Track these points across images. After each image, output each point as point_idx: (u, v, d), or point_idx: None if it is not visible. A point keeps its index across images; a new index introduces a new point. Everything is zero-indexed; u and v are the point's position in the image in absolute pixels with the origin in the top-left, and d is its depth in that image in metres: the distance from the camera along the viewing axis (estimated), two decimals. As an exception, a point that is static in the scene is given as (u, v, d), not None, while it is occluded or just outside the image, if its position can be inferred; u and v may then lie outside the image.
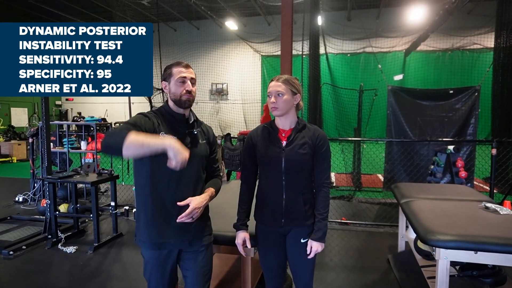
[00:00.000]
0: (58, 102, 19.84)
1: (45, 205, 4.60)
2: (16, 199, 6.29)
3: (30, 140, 6.26)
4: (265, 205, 1.97)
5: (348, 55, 15.05)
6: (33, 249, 4.20)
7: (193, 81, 1.92)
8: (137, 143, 1.55)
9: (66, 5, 13.98)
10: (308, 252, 1.97)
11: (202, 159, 1.97)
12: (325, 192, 1.98)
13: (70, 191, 5.61)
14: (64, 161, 6.27)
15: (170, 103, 1.93)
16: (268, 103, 1.95)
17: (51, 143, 5.26)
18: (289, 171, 1.92)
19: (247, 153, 2.06)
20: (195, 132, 1.95)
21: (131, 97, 5.81)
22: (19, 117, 17.31)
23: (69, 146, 6.10)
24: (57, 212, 4.42)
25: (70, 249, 4.14)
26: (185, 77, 1.88)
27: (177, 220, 1.78)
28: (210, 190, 1.98)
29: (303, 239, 1.98)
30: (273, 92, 1.92)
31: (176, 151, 1.58)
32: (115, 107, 17.68)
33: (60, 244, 4.26)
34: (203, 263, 1.97)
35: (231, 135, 5.60)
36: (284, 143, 1.94)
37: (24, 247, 4.16)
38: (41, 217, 5.07)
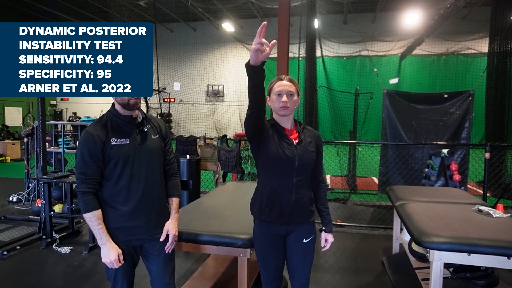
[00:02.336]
0: (53, 102, 19.74)
1: (39, 205, 4.58)
2: (10, 199, 6.25)
3: (25, 139, 6.23)
4: (274, 202, 1.96)
5: (344, 58, 15.14)
6: (27, 249, 4.18)
7: None
8: (92, 225, 1.88)
9: (62, 5, 13.95)
10: (323, 245, 2.11)
11: (158, 153, 2.06)
12: (324, 187, 2.14)
13: (65, 191, 5.58)
14: (59, 161, 6.24)
15: (117, 107, 1.98)
16: (277, 102, 1.95)
17: (47, 143, 5.23)
18: (301, 168, 1.95)
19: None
20: (145, 130, 2.02)
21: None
22: (13, 116, 17.20)
23: (65, 146, 6.07)
24: (52, 212, 4.40)
25: (65, 250, 4.12)
26: None
27: (166, 251, 2.04)
28: (175, 204, 2.13)
29: (305, 239, 2.02)
30: (284, 91, 1.94)
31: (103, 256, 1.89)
32: (110, 108, 17.59)
33: (54, 244, 4.24)
34: (167, 255, 2.08)
35: (227, 137, 5.62)
36: (295, 141, 1.98)
37: (18, 247, 4.14)
38: (36, 217, 5.05)
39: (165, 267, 2.08)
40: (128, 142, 1.94)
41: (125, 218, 1.93)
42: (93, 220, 1.86)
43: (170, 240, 2.04)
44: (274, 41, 1.58)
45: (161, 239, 2.02)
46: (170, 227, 2.04)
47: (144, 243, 2.03)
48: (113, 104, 2.00)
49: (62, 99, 20.17)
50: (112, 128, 1.94)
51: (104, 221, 1.90)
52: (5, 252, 3.96)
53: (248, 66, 1.67)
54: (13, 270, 3.67)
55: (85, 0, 13.55)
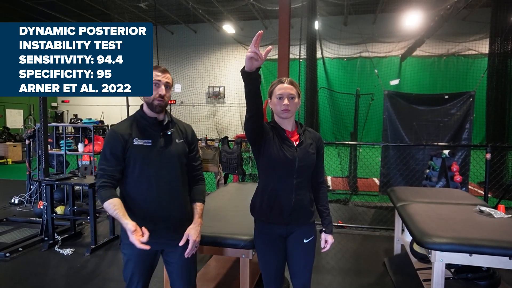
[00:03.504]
0: (54, 104, 19.78)
1: (41, 207, 4.59)
2: (12, 201, 6.26)
3: (27, 141, 6.24)
4: (274, 203, 1.98)
5: (345, 59, 15.15)
6: (30, 251, 4.18)
7: (167, 85, 1.96)
8: (110, 212, 1.85)
9: (63, 7, 13.99)
10: (323, 246, 2.12)
11: (180, 158, 2.03)
12: (324, 188, 2.17)
13: (67, 193, 5.59)
14: (61, 163, 6.25)
15: (144, 107, 1.99)
16: (278, 105, 1.97)
17: (48, 145, 5.24)
18: (301, 169, 1.97)
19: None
20: (169, 133, 2.01)
21: (128, 100, 5.82)
22: (14, 118, 17.24)
23: (66, 148, 6.08)
24: (54, 214, 4.41)
25: (67, 251, 4.13)
26: (159, 80, 1.93)
27: (186, 256, 1.97)
28: (199, 209, 2.08)
29: (306, 239, 2.04)
30: (286, 94, 1.96)
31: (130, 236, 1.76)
32: (111, 109, 17.66)
33: (56, 246, 4.24)
34: (188, 259, 2.03)
35: (228, 138, 5.63)
36: (296, 143, 1.99)
37: (20, 249, 4.15)
38: (38, 219, 5.06)
39: (185, 271, 2.06)
40: (151, 144, 1.93)
41: (144, 221, 1.88)
42: (110, 207, 1.83)
43: (190, 246, 1.96)
44: (270, 47, 1.59)
45: (181, 243, 1.95)
46: (192, 233, 1.97)
47: (165, 248, 2.01)
48: (141, 105, 2.02)
49: (63, 101, 20.21)
50: (137, 128, 1.94)
51: (133, 216, 1.87)
52: (7, 254, 3.97)
53: (243, 72, 1.67)
54: (15, 272, 3.68)
55: (86, 3, 13.58)
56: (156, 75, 1.93)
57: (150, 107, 1.95)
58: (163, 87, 1.93)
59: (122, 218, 1.80)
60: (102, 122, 7.16)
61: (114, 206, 1.82)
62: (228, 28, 15.88)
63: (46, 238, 4.38)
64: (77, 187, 5.65)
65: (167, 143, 1.98)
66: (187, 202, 2.08)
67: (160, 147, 1.95)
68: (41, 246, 4.27)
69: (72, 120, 7.52)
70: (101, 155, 1.92)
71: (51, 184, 4.41)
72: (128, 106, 5.94)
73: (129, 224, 1.76)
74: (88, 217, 4.29)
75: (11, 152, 12.40)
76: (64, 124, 6.89)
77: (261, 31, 1.56)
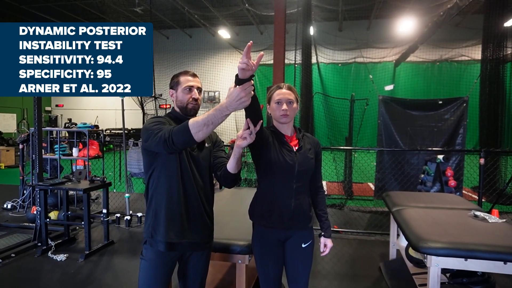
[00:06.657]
0: (47, 108, 19.67)
1: (35, 212, 4.54)
2: (5, 206, 6.19)
3: (21, 146, 6.19)
4: (274, 208, 1.99)
5: (340, 65, 15.25)
6: (23, 257, 4.13)
7: (199, 89, 1.97)
8: (201, 124, 1.54)
9: (59, 12, 13.97)
10: (322, 250, 2.13)
11: (209, 160, 2.02)
12: (323, 193, 2.18)
13: (61, 198, 5.54)
14: (55, 168, 6.20)
15: (177, 110, 1.98)
16: (277, 110, 1.98)
17: (42, 150, 5.20)
18: (300, 174, 1.98)
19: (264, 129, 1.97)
20: None
21: (123, 104, 5.80)
22: (7, 122, 17.11)
23: (61, 152, 6.04)
24: (47, 219, 4.37)
25: (61, 257, 4.08)
26: (192, 86, 1.93)
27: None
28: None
29: (304, 244, 2.04)
30: (284, 99, 1.98)
31: (238, 96, 1.50)
32: (106, 114, 17.60)
33: (50, 252, 4.19)
34: (204, 266, 2.04)
35: (224, 143, 5.62)
36: (295, 148, 2.00)
37: (13, 255, 4.09)
38: (31, 224, 5.00)
39: (199, 277, 2.04)
40: None
41: (175, 221, 1.86)
42: (198, 121, 1.56)
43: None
44: (261, 53, 1.59)
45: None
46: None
47: (191, 253, 1.97)
48: (173, 108, 2.00)
49: (57, 105, 20.10)
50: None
51: (167, 210, 1.83)
52: (0, 260, 3.92)
53: (237, 79, 1.63)
54: (8, 278, 3.63)
55: (81, 7, 13.57)
56: (188, 79, 1.93)
57: (184, 111, 1.93)
58: (195, 90, 1.94)
59: (217, 108, 1.52)
60: (96, 126, 7.11)
61: (198, 117, 1.59)
62: (224, 33, 15.93)
63: (39, 244, 4.34)
64: (71, 192, 5.60)
65: (199, 147, 1.96)
66: (212, 204, 2.10)
67: (193, 150, 1.93)
68: (34, 252, 4.22)
69: (67, 125, 7.48)
70: (151, 126, 1.74)
71: (45, 189, 4.37)
72: (123, 110, 5.90)
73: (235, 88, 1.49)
74: (82, 222, 4.25)
75: (4, 156, 12.29)
76: (59, 128, 6.84)
77: (251, 42, 1.55)
